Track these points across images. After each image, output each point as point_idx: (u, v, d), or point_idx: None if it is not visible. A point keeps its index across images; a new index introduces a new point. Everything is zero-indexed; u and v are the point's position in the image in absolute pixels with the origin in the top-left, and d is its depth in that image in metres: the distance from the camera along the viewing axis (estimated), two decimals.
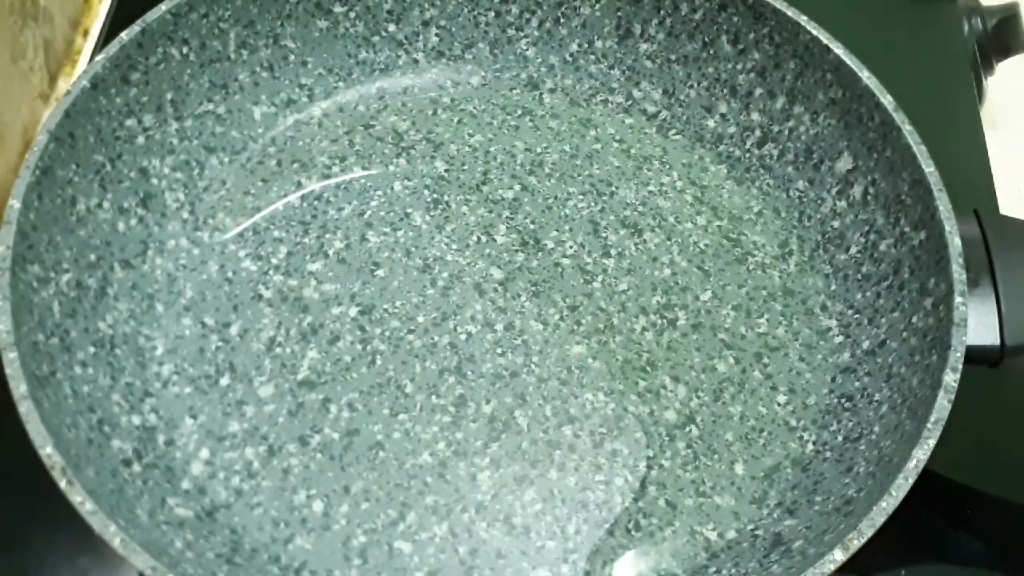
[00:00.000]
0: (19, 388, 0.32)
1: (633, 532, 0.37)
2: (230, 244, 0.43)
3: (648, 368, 0.40)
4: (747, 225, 0.44)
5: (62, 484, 0.31)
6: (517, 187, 0.45)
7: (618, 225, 0.44)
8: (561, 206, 0.45)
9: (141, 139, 0.42)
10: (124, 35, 0.41)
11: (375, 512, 0.37)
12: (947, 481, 0.40)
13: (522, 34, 0.49)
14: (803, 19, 0.43)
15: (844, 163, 0.42)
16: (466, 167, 0.46)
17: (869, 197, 0.41)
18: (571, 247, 0.43)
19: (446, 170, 0.46)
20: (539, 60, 0.49)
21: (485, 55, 0.49)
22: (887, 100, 0.40)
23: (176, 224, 0.43)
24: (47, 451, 0.31)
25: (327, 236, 0.43)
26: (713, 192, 0.45)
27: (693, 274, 0.43)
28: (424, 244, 0.43)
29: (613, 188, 0.45)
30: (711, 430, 0.39)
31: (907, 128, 0.39)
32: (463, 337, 0.40)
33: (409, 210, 0.44)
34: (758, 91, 0.45)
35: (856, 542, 0.31)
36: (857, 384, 0.39)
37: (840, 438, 0.38)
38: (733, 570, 0.35)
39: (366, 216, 0.44)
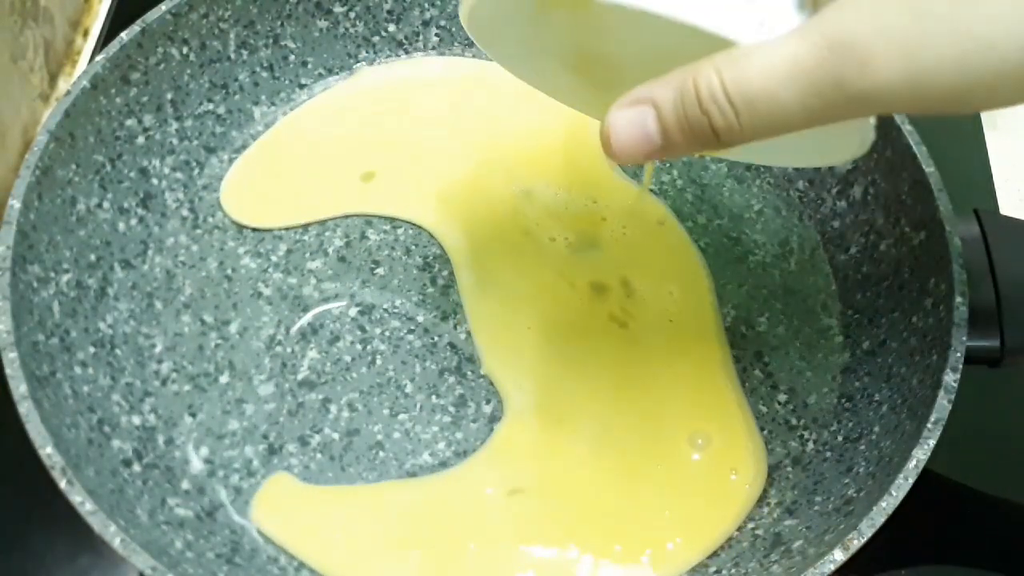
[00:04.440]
0: (19, 388, 0.32)
1: None
2: (229, 241, 0.43)
3: None
4: (747, 224, 0.44)
5: (62, 484, 0.31)
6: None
7: None
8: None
9: (141, 139, 0.42)
10: (124, 35, 0.41)
11: None
12: (947, 481, 0.40)
13: None
14: None
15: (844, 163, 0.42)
16: None
17: (869, 197, 0.41)
18: None
19: None
20: None
21: (485, 55, 0.48)
22: None
23: (176, 222, 0.43)
24: (47, 451, 0.31)
25: (327, 234, 0.43)
26: (713, 191, 0.45)
27: None
28: (424, 242, 0.43)
29: None
30: None
31: (907, 128, 0.39)
32: (463, 337, 0.40)
33: None
34: None
35: (856, 542, 0.31)
36: (857, 384, 0.39)
37: (840, 438, 0.38)
38: (733, 570, 0.35)
39: None
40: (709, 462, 0.37)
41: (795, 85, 0.24)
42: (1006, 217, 0.40)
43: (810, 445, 0.38)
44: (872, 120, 0.27)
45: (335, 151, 0.45)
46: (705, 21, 0.25)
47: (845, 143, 0.29)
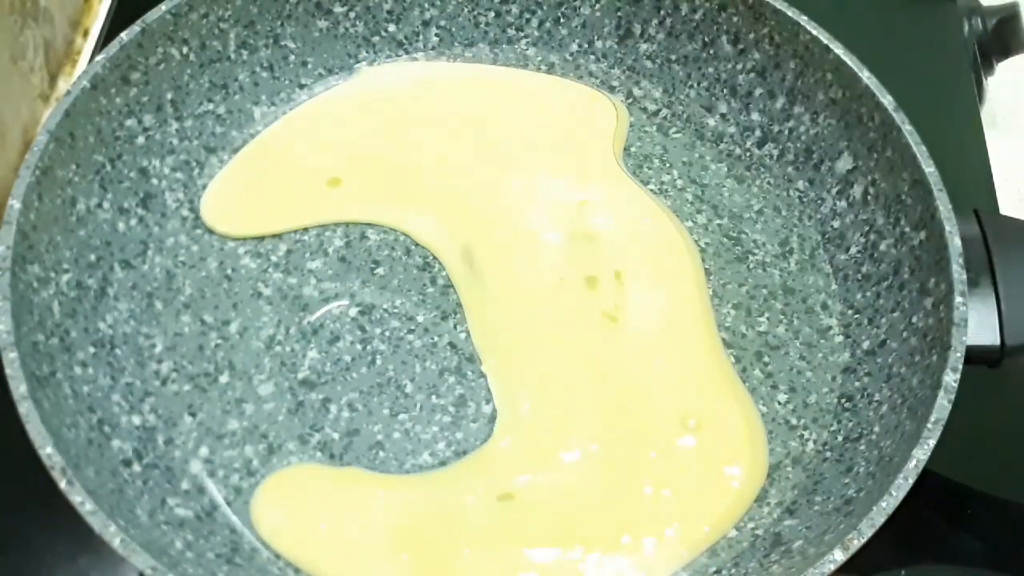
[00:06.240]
0: (19, 388, 0.32)
1: None
2: (229, 241, 0.43)
3: None
4: (747, 224, 0.44)
5: (62, 484, 0.31)
6: None
7: None
8: None
9: (141, 139, 0.42)
10: (124, 35, 0.41)
11: None
12: (947, 481, 0.40)
13: (522, 34, 0.49)
14: (803, 19, 0.43)
15: (844, 163, 0.42)
16: None
17: (869, 197, 0.41)
18: None
19: None
20: (539, 60, 0.49)
21: (485, 54, 0.49)
22: (887, 100, 0.40)
23: (176, 222, 0.43)
24: (47, 451, 0.31)
25: (327, 234, 0.43)
26: (713, 190, 0.45)
27: None
28: None
29: None
30: None
31: (907, 128, 0.39)
32: (463, 336, 0.40)
33: None
34: (758, 91, 0.45)
35: (856, 542, 0.31)
36: (857, 384, 0.39)
37: (840, 438, 0.38)
38: (733, 570, 0.35)
39: None
40: (704, 448, 0.37)
41: None
42: (1006, 217, 0.40)
43: (810, 445, 0.38)
44: None
45: (331, 152, 0.45)
46: None
47: None
